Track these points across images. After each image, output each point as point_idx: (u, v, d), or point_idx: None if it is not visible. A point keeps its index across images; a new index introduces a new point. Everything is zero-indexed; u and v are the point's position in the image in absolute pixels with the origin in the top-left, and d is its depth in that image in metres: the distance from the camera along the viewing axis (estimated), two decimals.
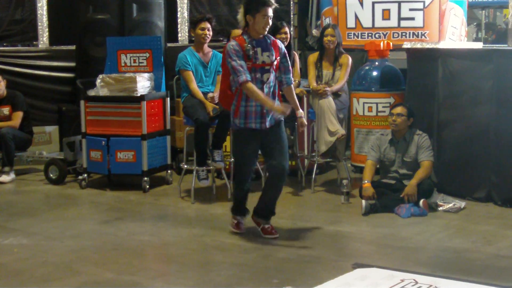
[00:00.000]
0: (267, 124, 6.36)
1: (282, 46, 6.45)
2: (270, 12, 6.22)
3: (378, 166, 7.77)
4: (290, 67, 6.56)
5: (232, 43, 6.27)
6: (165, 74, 8.98)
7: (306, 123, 6.77)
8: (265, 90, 6.28)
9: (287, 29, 8.37)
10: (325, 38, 8.39)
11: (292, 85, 6.58)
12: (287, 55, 6.50)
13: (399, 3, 9.60)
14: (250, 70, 6.21)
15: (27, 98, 9.90)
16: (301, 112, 6.66)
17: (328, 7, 10.25)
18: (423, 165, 7.45)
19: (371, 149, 7.78)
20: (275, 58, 6.33)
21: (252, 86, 6.17)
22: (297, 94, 8.01)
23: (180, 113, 8.81)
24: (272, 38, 6.43)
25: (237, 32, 8.25)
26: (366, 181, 7.48)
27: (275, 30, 8.43)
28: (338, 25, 9.17)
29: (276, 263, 5.86)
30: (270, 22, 6.25)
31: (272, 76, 6.34)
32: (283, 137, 6.50)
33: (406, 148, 7.57)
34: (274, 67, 6.35)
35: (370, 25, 9.75)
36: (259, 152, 6.55)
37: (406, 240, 6.41)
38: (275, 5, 6.28)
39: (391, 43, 9.20)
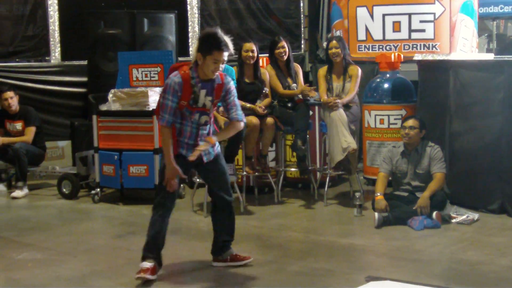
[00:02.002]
0: (205, 159, 5.84)
1: (226, 87, 5.79)
2: (224, 57, 5.63)
3: (390, 178, 7.75)
4: (235, 102, 5.89)
5: (176, 79, 5.62)
6: None
7: (199, 150, 5.80)
8: (201, 132, 5.78)
9: (284, 43, 8.46)
10: (330, 51, 8.41)
11: (236, 122, 5.90)
12: (230, 91, 5.82)
13: (410, 15, 9.61)
14: (184, 108, 5.65)
15: (39, 113, 9.96)
16: (214, 139, 5.87)
17: (338, 20, 10.26)
18: (436, 177, 7.43)
19: (383, 162, 7.76)
20: (214, 101, 5.80)
21: (167, 134, 5.66)
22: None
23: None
24: (219, 81, 5.75)
25: (248, 45, 8.30)
26: (378, 194, 7.46)
27: (273, 45, 8.50)
28: (349, 38, 9.20)
29: (289, 276, 5.85)
30: (222, 67, 5.85)
31: (210, 119, 5.83)
32: (224, 169, 5.99)
33: (418, 160, 7.55)
34: (212, 109, 5.83)
35: (380, 38, 9.75)
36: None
37: (419, 253, 6.39)
38: (230, 51, 5.78)
39: (402, 55, 9.20)
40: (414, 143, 7.57)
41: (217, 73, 5.70)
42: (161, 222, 5.79)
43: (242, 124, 5.98)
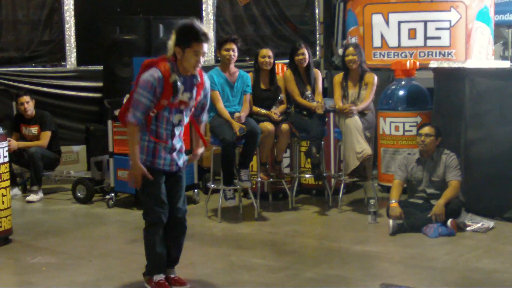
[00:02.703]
0: (180, 164, 5.57)
1: (207, 85, 5.56)
2: (205, 48, 5.25)
3: (405, 185, 7.72)
4: (207, 105, 5.70)
5: (155, 75, 5.24)
6: None
7: (196, 158, 5.84)
8: (176, 132, 5.45)
9: (305, 50, 8.42)
10: (346, 58, 8.39)
11: (203, 124, 5.80)
12: (208, 92, 5.62)
13: (425, 22, 9.61)
14: (164, 108, 5.31)
15: (55, 118, 10.01)
16: (201, 150, 5.78)
17: (354, 27, 10.27)
18: (451, 185, 7.39)
19: (398, 169, 7.74)
20: (195, 101, 5.47)
21: (135, 133, 5.32)
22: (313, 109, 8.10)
23: (207, 133, 8.82)
24: (199, 79, 5.44)
25: (265, 51, 8.31)
26: (393, 201, 7.44)
27: (293, 51, 8.48)
28: (364, 45, 9.19)
29: (303, 283, 5.84)
30: (202, 60, 5.29)
31: (184, 120, 5.49)
32: (183, 184, 5.67)
33: (433, 168, 7.52)
34: (189, 110, 5.49)
35: (396, 45, 9.76)
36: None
37: (434, 260, 6.36)
38: (210, 40, 5.33)
39: (417, 62, 9.19)
40: (430, 151, 7.54)
41: (197, 69, 5.36)
42: (161, 238, 5.59)
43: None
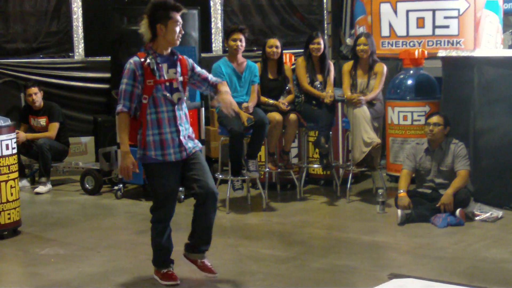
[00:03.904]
0: (188, 151, 5.49)
1: (190, 61, 5.60)
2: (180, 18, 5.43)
3: (413, 175, 7.70)
4: (207, 73, 5.70)
5: (131, 60, 5.36)
6: None
7: (229, 101, 5.54)
8: (177, 113, 5.42)
9: (321, 40, 8.38)
10: (358, 47, 8.37)
11: (220, 83, 5.68)
12: (194, 63, 5.65)
13: (434, 11, 9.54)
14: (154, 88, 5.32)
15: (63, 109, 10.01)
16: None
17: (362, 16, 10.22)
18: (460, 175, 7.37)
19: (406, 158, 7.71)
20: (182, 76, 5.48)
21: (123, 120, 5.34)
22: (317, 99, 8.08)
23: (215, 123, 8.83)
24: (179, 55, 5.55)
25: (272, 41, 8.29)
26: (401, 191, 7.42)
27: (309, 40, 8.44)
28: (372, 34, 9.15)
29: (311, 273, 5.84)
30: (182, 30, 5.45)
31: (183, 97, 5.49)
32: (205, 163, 5.60)
33: (442, 157, 7.49)
34: (182, 86, 5.49)
35: (404, 34, 9.70)
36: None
37: (442, 250, 6.35)
38: (184, 10, 5.49)
39: (425, 52, 9.15)
40: (438, 140, 7.52)
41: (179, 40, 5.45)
42: (168, 233, 5.67)
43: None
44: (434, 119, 7.55)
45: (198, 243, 5.69)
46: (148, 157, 5.40)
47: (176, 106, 5.42)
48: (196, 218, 5.62)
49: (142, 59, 5.34)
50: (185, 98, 5.55)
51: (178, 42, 5.45)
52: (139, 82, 5.32)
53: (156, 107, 5.37)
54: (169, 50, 5.47)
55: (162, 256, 5.67)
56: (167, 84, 5.39)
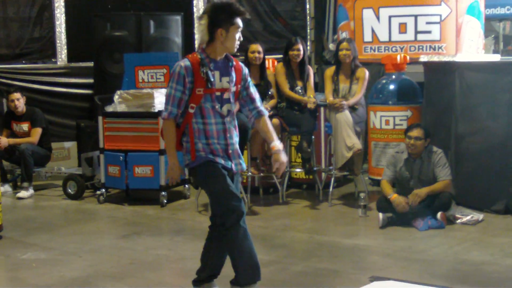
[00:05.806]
0: (234, 170, 5.06)
1: (245, 70, 5.11)
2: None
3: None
4: (257, 94, 5.17)
5: (181, 63, 4.89)
6: None
7: (283, 159, 5.18)
8: (227, 126, 4.97)
9: (300, 46, 8.42)
10: (340, 52, 8.40)
11: (265, 116, 5.17)
12: (248, 77, 5.13)
13: (416, 16, 9.59)
14: (202, 98, 4.86)
15: (46, 114, 10.00)
16: (277, 146, 5.17)
17: (344, 22, 10.26)
18: (442, 183, 7.36)
19: (386, 168, 7.67)
20: (235, 85, 5.00)
21: (170, 127, 4.94)
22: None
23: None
24: (235, 60, 5.06)
25: (255, 47, 8.32)
26: (391, 195, 7.38)
27: (289, 46, 8.48)
28: (355, 39, 9.19)
29: (293, 276, 5.86)
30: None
31: (233, 109, 5.01)
32: (239, 185, 5.31)
33: (422, 167, 7.47)
34: (234, 96, 5.01)
35: (386, 39, 9.74)
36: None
37: (423, 253, 6.38)
38: (247, 15, 4.97)
39: (407, 57, 9.20)
40: (419, 152, 7.48)
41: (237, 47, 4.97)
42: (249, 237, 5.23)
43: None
44: (415, 133, 7.46)
45: (249, 269, 5.28)
46: (198, 157, 4.94)
47: (225, 119, 4.98)
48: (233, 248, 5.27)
49: (192, 61, 4.88)
50: (235, 110, 5.08)
51: (234, 50, 4.94)
52: (188, 89, 4.87)
53: (203, 118, 4.92)
54: (223, 55, 5.00)
55: (253, 267, 5.24)
56: (218, 94, 4.93)
